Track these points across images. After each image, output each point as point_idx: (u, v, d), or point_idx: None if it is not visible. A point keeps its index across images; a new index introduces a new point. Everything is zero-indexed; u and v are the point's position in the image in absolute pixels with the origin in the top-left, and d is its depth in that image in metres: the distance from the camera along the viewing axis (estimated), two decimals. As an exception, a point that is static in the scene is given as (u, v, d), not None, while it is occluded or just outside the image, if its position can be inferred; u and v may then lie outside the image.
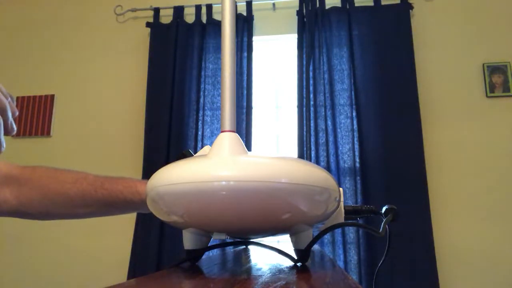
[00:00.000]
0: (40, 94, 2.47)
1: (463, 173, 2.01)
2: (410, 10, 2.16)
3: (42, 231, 2.27)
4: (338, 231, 1.91)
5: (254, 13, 2.29)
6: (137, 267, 2.02)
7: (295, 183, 0.34)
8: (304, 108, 2.07)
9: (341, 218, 0.56)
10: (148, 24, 2.37)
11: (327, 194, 0.37)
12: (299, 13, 2.22)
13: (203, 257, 0.56)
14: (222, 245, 0.51)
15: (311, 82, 2.10)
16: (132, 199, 0.64)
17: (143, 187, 0.65)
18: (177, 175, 0.34)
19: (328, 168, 1.98)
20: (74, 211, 0.65)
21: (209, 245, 0.47)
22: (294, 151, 2.13)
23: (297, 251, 0.44)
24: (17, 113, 0.50)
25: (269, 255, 0.60)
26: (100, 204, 0.64)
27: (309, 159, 1.99)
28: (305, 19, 2.21)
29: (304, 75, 2.11)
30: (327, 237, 1.92)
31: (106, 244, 2.20)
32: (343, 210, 0.56)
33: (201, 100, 2.22)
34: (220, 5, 0.40)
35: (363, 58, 2.11)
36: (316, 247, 0.85)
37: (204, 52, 2.28)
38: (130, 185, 0.65)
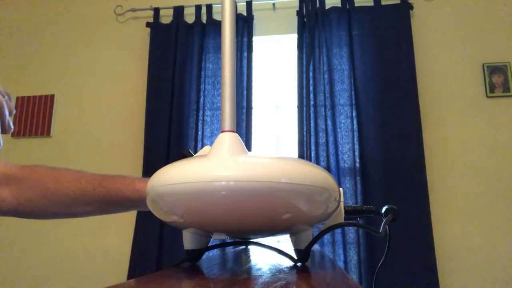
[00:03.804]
0: (40, 94, 2.47)
1: (463, 173, 2.01)
2: (410, 10, 2.16)
3: (41, 231, 2.27)
4: (338, 231, 1.91)
5: (254, 13, 2.29)
6: (137, 267, 2.02)
7: (295, 183, 0.34)
8: (304, 108, 2.07)
9: (341, 218, 0.56)
10: (148, 24, 2.37)
11: (327, 194, 0.37)
12: (299, 13, 2.22)
13: (203, 257, 0.56)
14: (222, 245, 0.51)
15: (311, 82, 2.10)
16: (131, 196, 0.64)
17: (142, 185, 0.65)
18: (177, 175, 0.34)
19: (328, 168, 1.98)
20: (73, 210, 0.65)
21: (209, 245, 0.47)
22: (294, 151, 2.12)
23: (297, 251, 0.44)
24: (14, 112, 0.50)
25: (269, 255, 0.60)
26: (99, 202, 0.65)
27: (309, 159, 1.99)
28: (305, 19, 2.21)
29: (304, 75, 2.11)
30: (327, 237, 1.92)
31: (106, 244, 2.20)
32: (343, 210, 0.56)
33: (201, 100, 2.21)
34: (220, 5, 0.40)
35: (363, 58, 2.11)
36: (316, 247, 0.85)
37: (204, 52, 2.28)
38: (128, 183, 0.65)
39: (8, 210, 0.63)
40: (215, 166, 0.33)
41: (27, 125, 2.42)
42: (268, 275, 0.37)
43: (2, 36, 2.64)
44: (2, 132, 0.48)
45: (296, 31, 2.20)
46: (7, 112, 0.48)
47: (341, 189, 0.50)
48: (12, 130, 0.50)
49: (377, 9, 2.17)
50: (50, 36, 2.58)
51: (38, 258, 2.26)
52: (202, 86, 2.23)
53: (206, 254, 0.58)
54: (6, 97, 0.49)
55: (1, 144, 0.48)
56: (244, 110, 2.12)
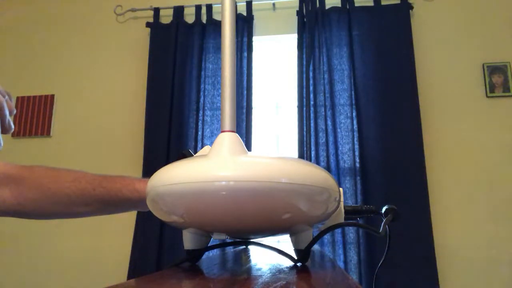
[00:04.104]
0: (40, 94, 2.47)
1: (463, 173, 2.01)
2: (410, 10, 2.16)
3: (42, 231, 2.27)
4: (338, 231, 1.91)
5: (254, 13, 2.29)
6: (137, 267, 2.02)
7: (295, 183, 0.34)
8: (304, 108, 2.07)
9: (341, 218, 0.56)
10: (148, 24, 2.37)
11: (327, 194, 0.37)
12: (299, 13, 2.22)
13: (203, 257, 0.56)
14: (222, 245, 0.51)
15: (311, 82, 2.10)
16: (131, 197, 0.64)
17: (141, 185, 0.65)
18: (177, 175, 0.34)
19: (328, 168, 1.98)
20: (73, 210, 0.65)
21: (209, 245, 0.47)
22: (294, 151, 2.12)
23: (297, 251, 0.44)
24: (14, 111, 0.50)
25: (269, 255, 0.60)
26: (99, 202, 0.65)
27: (309, 159, 1.99)
28: (305, 19, 2.21)
29: (304, 75, 2.11)
30: (327, 237, 1.92)
31: (106, 244, 2.20)
32: (343, 210, 0.56)
33: (201, 100, 2.21)
34: (220, 5, 0.40)
35: (363, 58, 2.11)
36: (316, 247, 0.85)
37: (204, 52, 2.28)
38: (128, 183, 0.65)
39: (8, 210, 0.63)
40: (215, 166, 0.33)
41: (27, 125, 2.42)
42: (268, 275, 0.37)
43: (2, 36, 2.64)
44: (3, 132, 0.48)
45: (296, 31, 2.20)
46: (7, 112, 0.48)
47: (341, 189, 0.50)
48: (13, 130, 0.50)
49: (377, 9, 2.17)
50: (50, 36, 2.58)
51: (38, 258, 2.26)
52: (202, 86, 2.23)
53: (206, 254, 0.58)
54: (7, 96, 0.49)
55: (2, 144, 0.48)
56: (244, 110, 2.12)
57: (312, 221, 0.39)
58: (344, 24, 2.17)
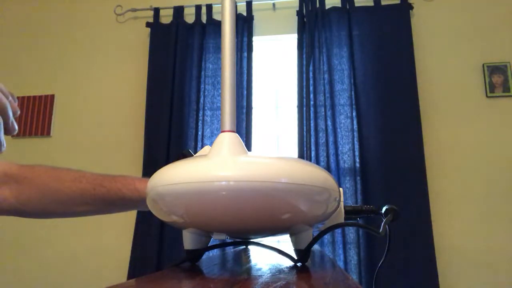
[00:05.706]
0: (40, 94, 2.47)
1: (463, 173, 2.01)
2: (410, 10, 2.16)
3: (42, 231, 2.27)
4: (338, 231, 1.91)
5: (254, 13, 2.29)
6: (137, 267, 2.02)
7: (295, 183, 0.34)
8: (304, 108, 2.07)
9: (341, 218, 0.56)
10: (148, 24, 2.37)
11: (327, 194, 0.37)
12: (299, 13, 2.22)
13: (203, 257, 0.56)
14: (222, 245, 0.51)
15: (311, 82, 2.10)
16: (131, 196, 0.64)
17: (142, 185, 0.65)
18: (177, 175, 0.34)
19: (328, 168, 1.98)
20: (73, 209, 0.65)
21: (209, 245, 0.47)
22: (294, 151, 2.12)
23: (297, 251, 0.44)
24: (18, 112, 0.49)
25: (269, 255, 0.60)
26: (99, 202, 0.65)
27: (309, 159, 1.99)
28: (305, 19, 2.21)
29: (304, 75, 2.11)
30: (327, 237, 1.92)
31: (106, 244, 2.20)
32: (343, 210, 0.56)
33: (201, 100, 2.21)
34: (220, 5, 0.40)
35: (363, 58, 2.11)
36: (316, 247, 0.85)
37: (204, 52, 2.28)
38: (128, 183, 0.65)
39: (8, 209, 0.63)
40: (215, 166, 0.33)
41: (27, 125, 2.42)
42: (268, 275, 0.37)
43: (2, 36, 2.64)
44: (6, 133, 0.48)
45: (296, 31, 2.20)
46: (11, 113, 0.48)
47: (341, 189, 0.50)
48: (16, 131, 0.50)
49: (377, 9, 2.17)
50: (50, 36, 2.58)
51: (38, 258, 2.26)
52: (202, 86, 2.23)
53: (206, 254, 0.58)
54: (10, 97, 0.49)
55: (5, 146, 0.48)
56: (244, 110, 2.12)
57: (312, 221, 0.39)
58: (344, 24, 2.17)
